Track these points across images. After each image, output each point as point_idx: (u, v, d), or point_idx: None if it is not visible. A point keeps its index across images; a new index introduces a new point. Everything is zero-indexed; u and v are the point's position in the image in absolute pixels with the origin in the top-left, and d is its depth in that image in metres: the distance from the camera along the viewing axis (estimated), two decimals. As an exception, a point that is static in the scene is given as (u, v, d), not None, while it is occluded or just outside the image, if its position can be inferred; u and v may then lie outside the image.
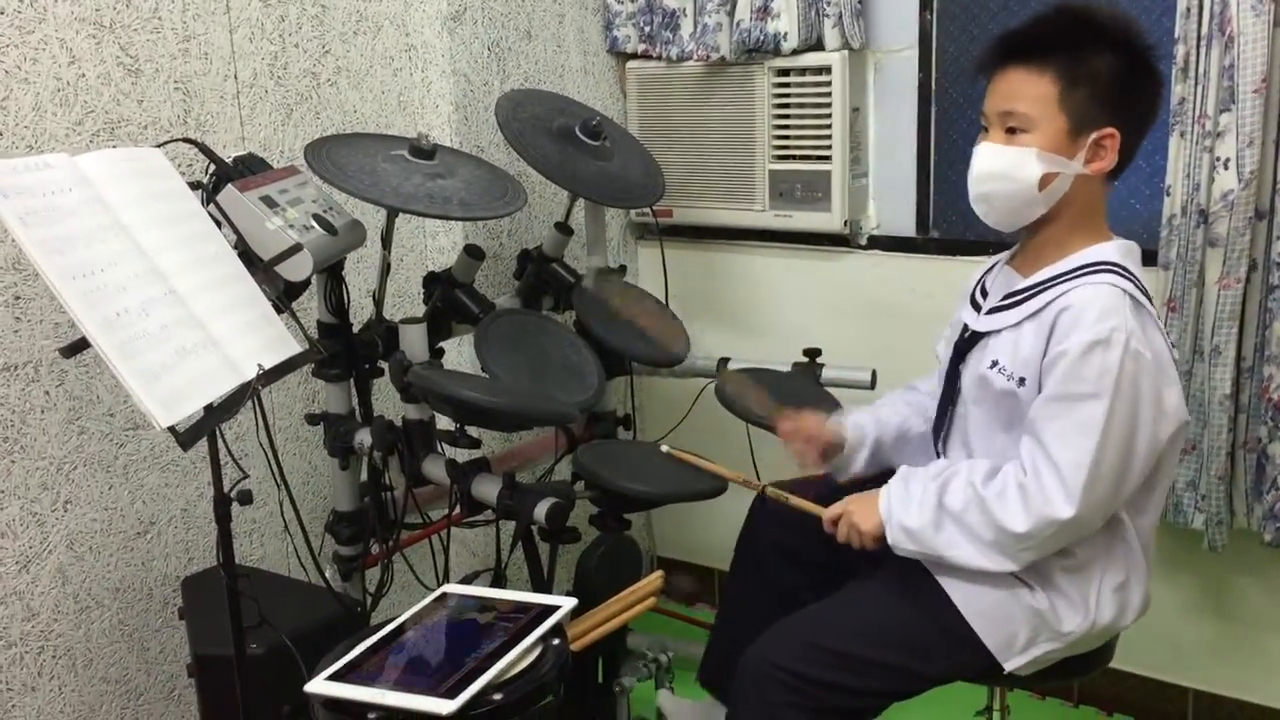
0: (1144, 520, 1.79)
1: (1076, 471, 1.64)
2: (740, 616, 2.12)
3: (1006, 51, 1.75)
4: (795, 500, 1.97)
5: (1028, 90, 1.71)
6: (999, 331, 1.80)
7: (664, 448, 2.18)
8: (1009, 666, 1.78)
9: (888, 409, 2.07)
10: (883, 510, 1.80)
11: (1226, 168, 2.21)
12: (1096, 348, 1.63)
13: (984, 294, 1.90)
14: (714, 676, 2.16)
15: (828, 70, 2.74)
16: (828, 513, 1.89)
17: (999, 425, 1.80)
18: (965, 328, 1.88)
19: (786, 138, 2.85)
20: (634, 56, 3.07)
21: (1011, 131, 1.74)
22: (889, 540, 1.79)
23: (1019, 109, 1.72)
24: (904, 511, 1.78)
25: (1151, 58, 1.73)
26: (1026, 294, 1.78)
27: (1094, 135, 1.71)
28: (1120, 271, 1.70)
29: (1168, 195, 2.33)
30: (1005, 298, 1.82)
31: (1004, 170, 1.74)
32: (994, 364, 1.78)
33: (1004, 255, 1.94)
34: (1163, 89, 1.77)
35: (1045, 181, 1.72)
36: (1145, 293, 1.72)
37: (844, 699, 1.79)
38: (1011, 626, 1.77)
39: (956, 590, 1.79)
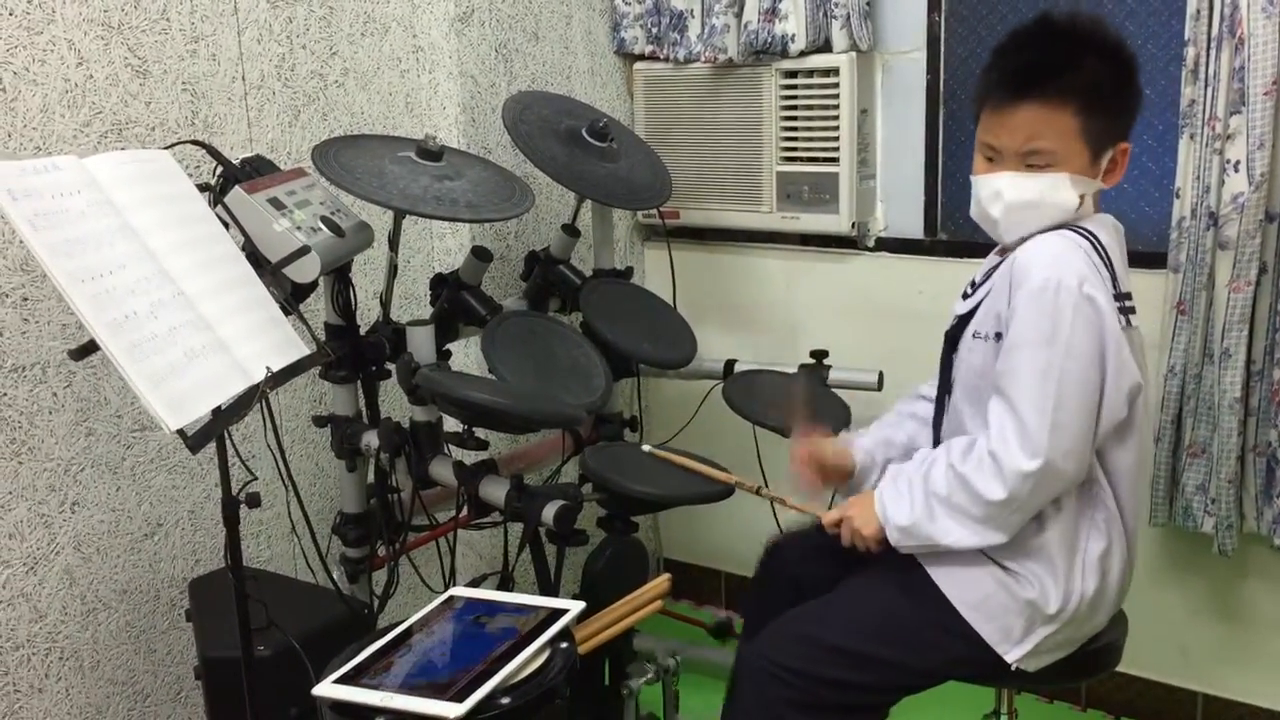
0: (1119, 484, 1.79)
1: (1040, 418, 1.65)
2: None
3: (1019, 87, 1.71)
4: (792, 500, 1.98)
5: (1050, 128, 1.70)
6: (978, 306, 1.82)
7: (645, 448, 2.18)
8: (1010, 657, 1.78)
9: (893, 428, 2.06)
10: (879, 512, 1.81)
11: (1237, 170, 2.21)
12: (1046, 292, 1.65)
13: (973, 287, 1.92)
14: None
15: (835, 72, 2.74)
16: (828, 517, 1.90)
17: (984, 404, 1.80)
18: (955, 317, 1.90)
19: (794, 139, 2.85)
20: (641, 58, 3.07)
21: (1031, 166, 1.73)
22: (891, 541, 1.80)
23: (1044, 146, 1.71)
24: (897, 511, 1.79)
25: (1136, 65, 1.74)
26: (998, 265, 1.81)
27: (1110, 153, 1.74)
28: (1080, 231, 1.73)
29: (1177, 198, 2.32)
30: (984, 275, 1.86)
31: (1036, 199, 1.73)
32: (975, 334, 1.81)
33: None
34: (1141, 93, 1.78)
35: (1079, 203, 1.74)
36: (1108, 262, 1.72)
37: (843, 695, 1.79)
38: (1006, 618, 1.77)
39: (949, 585, 1.80)
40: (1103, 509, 1.78)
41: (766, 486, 2.05)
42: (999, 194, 1.76)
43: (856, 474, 2.01)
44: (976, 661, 1.80)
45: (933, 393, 2.06)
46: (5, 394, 1.99)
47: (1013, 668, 1.78)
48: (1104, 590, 1.79)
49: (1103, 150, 1.73)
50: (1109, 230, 1.78)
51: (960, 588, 1.78)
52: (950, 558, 1.79)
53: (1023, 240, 1.75)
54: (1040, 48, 1.73)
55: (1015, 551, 1.77)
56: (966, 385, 1.84)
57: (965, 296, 1.91)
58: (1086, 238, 1.72)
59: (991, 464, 1.69)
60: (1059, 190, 1.72)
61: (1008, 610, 1.77)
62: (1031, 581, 1.76)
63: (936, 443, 1.93)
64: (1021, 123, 1.72)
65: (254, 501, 1.67)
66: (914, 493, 1.78)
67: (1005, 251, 1.84)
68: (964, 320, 1.86)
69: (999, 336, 1.74)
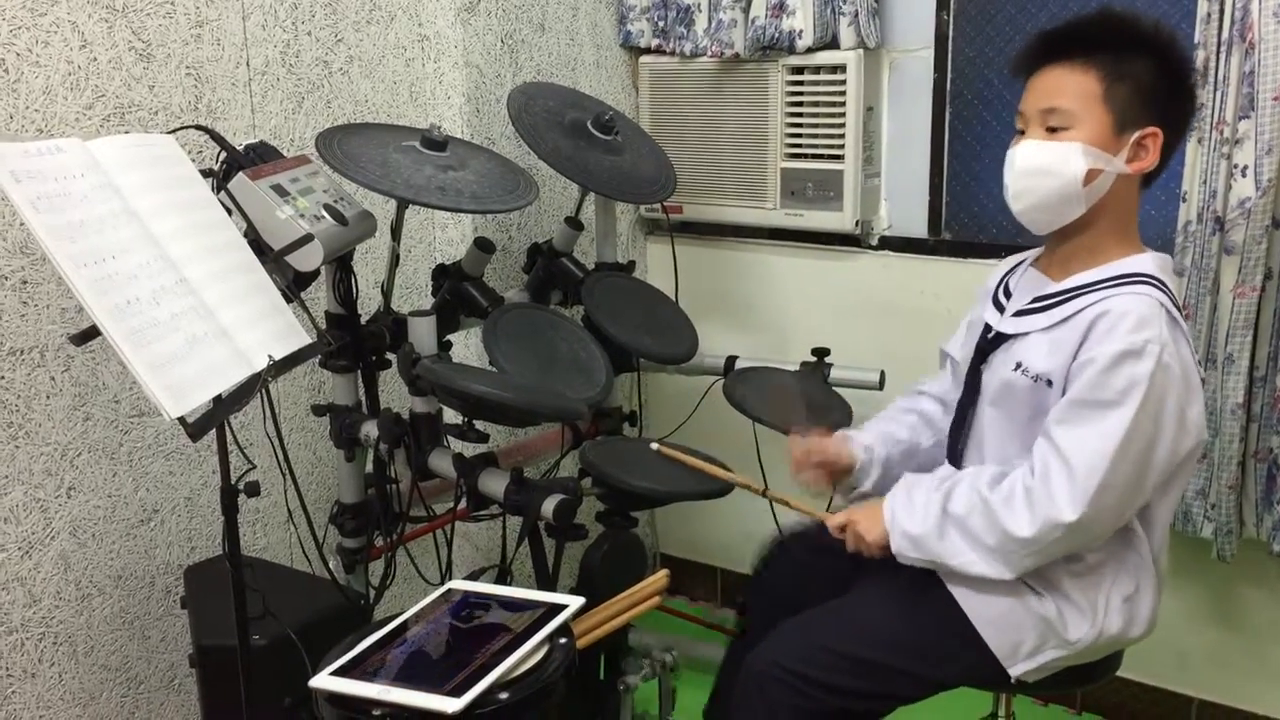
0: (1155, 532, 1.78)
1: (1090, 475, 1.62)
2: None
3: (1049, 50, 1.74)
4: (796, 502, 1.95)
5: (1070, 87, 1.70)
6: (1027, 334, 1.78)
7: (654, 445, 2.15)
8: (1014, 672, 1.76)
9: (895, 424, 2.04)
10: (886, 518, 1.79)
11: (1244, 175, 2.20)
12: (1128, 358, 1.62)
13: (1007, 295, 1.88)
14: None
15: (842, 69, 2.73)
16: (832, 520, 1.87)
17: (1018, 427, 1.78)
18: (988, 328, 1.86)
19: (799, 136, 2.84)
20: (647, 51, 3.06)
21: (1052, 130, 1.72)
22: (893, 549, 1.78)
23: (1062, 105, 1.71)
24: (907, 518, 1.76)
25: (1189, 69, 1.73)
26: (1059, 298, 1.76)
27: (1137, 134, 1.70)
28: (1158, 284, 1.69)
29: (1184, 201, 2.31)
30: (1034, 300, 1.80)
31: (1047, 165, 1.71)
32: (1018, 366, 1.76)
33: (1028, 255, 1.92)
34: (1195, 100, 1.76)
35: (1090, 178, 1.70)
36: (1179, 307, 1.71)
37: (848, 702, 1.78)
38: (1019, 633, 1.75)
39: (964, 595, 1.77)
40: (1134, 554, 1.77)
41: (768, 487, 2.03)
42: (1012, 162, 1.76)
43: (856, 470, 1.98)
44: (983, 672, 1.79)
45: (937, 389, 2.04)
46: (3, 377, 1.98)
47: (1013, 680, 1.78)
48: (1127, 633, 1.78)
49: (1128, 125, 1.69)
50: (1170, 274, 1.75)
51: (976, 599, 1.76)
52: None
53: (1095, 284, 1.72)
54: (1083, 22, 1.75)
55: (1040, 578, 1.75)
56: (997, 399, 1.81)
57: (1000, 307, 1.87)
58: (1164, 290, 1.69)
59: (1025, 499, 1.67)
60: (1069, 160, 1.69)
61: (1021, 625, 1.75)
62: (1052, 603, 1.74)
63: (952, 451, 1.91)
64: (1045, 83, 1.73)
65: (253, 490, 1.66)
66: (929, 506, 1.75)
67: (1050, 269, 1.81)
68: (1002, 339, 1.82)
69: (1049, 384, 1.72)
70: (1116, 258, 1.74)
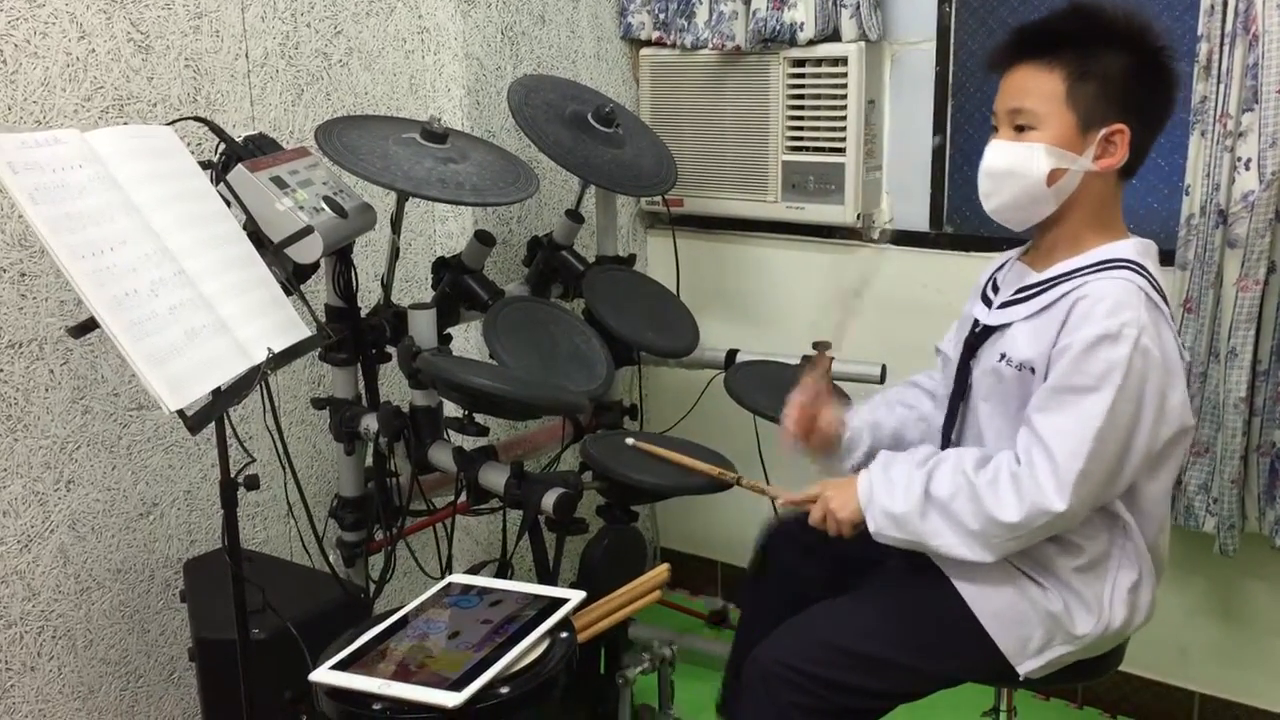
0: (1147, 522, 1.77)
1: (1071, 462, 1.61)
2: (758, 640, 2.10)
3: (1019, 48, 1.74)
4: (772, 489, 1.95)
5: (1035, 87, 1.70)
6: (1010, 325, 1.78)
7: (629, 441, 2.12)
8: (1023, 670, 1.75)
9: (884, 412, 2.02)
10: (862, 496, 1.77)
11: (1248, 168, 2.19)
12: (1104, 342, 1.61)
13: (995, 289, 1.88)
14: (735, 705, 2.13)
15: (844, 61, 2.72)
16: (801, 496, 1.85)
17: (1009, 419, 1.78)
18: (976, 322, 1.86)
19: (800, 129, 2.83)
20: (648, 44, 3.05)
21: (1020, 129, 1.73)
22: (871, 528, 1.75)
23: (1026, 105, 1.71)
24: (887, 497, 1.74)
25: (1164, 57, 1.71)
26: (1040, 288, 1.76)
27: (1103, 131, 1.69)
28: (1137, 269, 1.69)
29: (1187, 195, 2.30)
30: (1017, 292, 1.80)
31: (1011, 166, 1.72)
32: (1003, 357, 1.76)
33: (1015, 251, 1.92)
34: (1177, 89, 1.74)
35: (1053, 178, 1.70)
36: (1161, 292, 1.70)
37: (854, 699, 1.77)
38: (1025, 629, 1.75)
39: (970, 591, 1.76)
40: (1132, 543, 1.76)
41: (767, 481, 2.02)
42: (983, 160, 1.77)
43: (841, 448, 1.97)
44: (988, 668, 1.78)
45: (929, 384, 2.04)
46: (1, 370, 1.97)
47: (1021, 678, 1.77)
48: (1130, 623, 1.77)
49: (1094, 123, 1.69)
50: (1153, 259, 1.74)
51: (982, 595, 1.75)
52: (974, 565, 1.76)
53: (1074, 272, 1.71)
54: (1052, 18, 1.74)
55: (1045, 572, 1.74)
56: (988, 394, 1.81)
57: (987, 301, 1.87)
58: (1145, 275, 1.68)
59: (1012, 486, 1.65)
60: (1032, 159, 1.70)
61: (1028, 621, 1.74)
62: (1058, 597, 1.74)
63: (945, 446, 1.90)
64: (1014, 83, 1.74)
65: (253, 484, 1.65)
66: (910, 485, 1.73)
67: (1034, 261, 1.81)
68: (988, 332, 1.82)
69: (1032, 370, 1.71)
70: (1097, 245, 1.74)
